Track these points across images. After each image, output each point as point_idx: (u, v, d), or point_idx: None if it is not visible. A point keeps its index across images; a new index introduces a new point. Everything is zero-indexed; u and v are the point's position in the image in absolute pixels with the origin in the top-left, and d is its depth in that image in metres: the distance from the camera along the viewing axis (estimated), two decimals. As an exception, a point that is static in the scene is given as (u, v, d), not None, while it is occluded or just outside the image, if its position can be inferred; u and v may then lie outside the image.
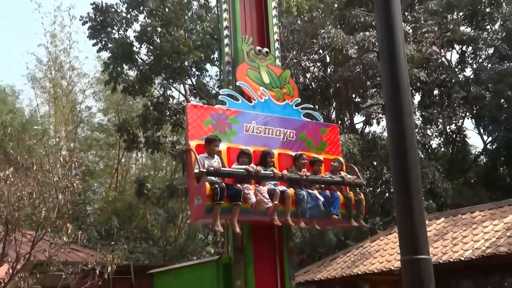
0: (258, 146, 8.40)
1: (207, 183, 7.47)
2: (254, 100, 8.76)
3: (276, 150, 8.50)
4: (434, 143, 21.88)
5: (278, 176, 8.05)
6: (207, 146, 7.89)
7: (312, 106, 9.96)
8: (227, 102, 8.60)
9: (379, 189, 20.11)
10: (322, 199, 8.28)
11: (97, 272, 9.31)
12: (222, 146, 8.10)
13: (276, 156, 8.41)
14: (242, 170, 7.85)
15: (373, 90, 21.04)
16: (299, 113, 9.24)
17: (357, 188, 9.00)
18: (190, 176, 7.87)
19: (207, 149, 7.88)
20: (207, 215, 7.64)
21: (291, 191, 8.02)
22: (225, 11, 9.12)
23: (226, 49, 9.07)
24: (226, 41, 9.08)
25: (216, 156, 7.87)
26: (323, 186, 8.60)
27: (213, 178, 7.58)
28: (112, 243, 19.23)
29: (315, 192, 8.33)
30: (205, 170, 7.50)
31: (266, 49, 9.19)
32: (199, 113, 8.35)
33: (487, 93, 19.54)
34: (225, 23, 9.11)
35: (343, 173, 8.88)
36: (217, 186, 7.44)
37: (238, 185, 7.70)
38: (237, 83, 8.76)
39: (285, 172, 8.19)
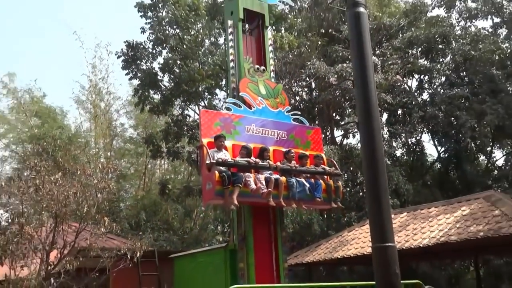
0: (257, 143, 8.51)
1: (216, 172, 7.64)
2: (254, 107, 8.91)
3: (271, 147, 8.62)
4: (398, 152, 21.91)
5: (273, 167, 8.18)
6: (216, 142, 8.06)
7: (299, 113, 10.01)
8: (232, 108, 8.76)
9: (354, 190, 20.10)
10: (308, 185, 8.42)
11: (128, 256, 9.27)
12: (228, 143, 8.23)
13: (271, 151, 8.54)
14: (244, 161, 8.01)
15: (350, 110, 21.07)
16: (289, 118, 9.38)
17: (336, 177, 9.07)
18: (203, 166, 8.00)
19: (216, 145, 8.04)
20: (215, 197, 7.80)
21: (283, 179, 8.12)
22: (231, 47, 9.24)
23: (232, 78, 9.18)
24: (232, 71, 9.19)
25: (223, 150, 8.03)
26: (308, 175, 8.67)
27: (221, 167, 7.73)
28: (140, 233, 19.22)
29: (303, 180, 8.44)
30: (214, 161, 7.69)
31: (263, 67, 9.36)
32: (210, 117, 8.52)
33: (440, 113, 19.57)
34: (231, 57, 9.23)
35: (324, 166, 9.03)
36: (224, 174, 7.64)
37: (241, 173, 7.83)
38: (240, 94, 8.91)
39: (278, 163, 8.32)
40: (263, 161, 8.17)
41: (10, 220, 9.48)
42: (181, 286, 9.63)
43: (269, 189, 7.80)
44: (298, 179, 8.37)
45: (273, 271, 8.32)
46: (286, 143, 8.97)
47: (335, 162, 9.47)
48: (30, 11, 52.18)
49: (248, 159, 8.05)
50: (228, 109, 8.81)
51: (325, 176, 8.83)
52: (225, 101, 9.00)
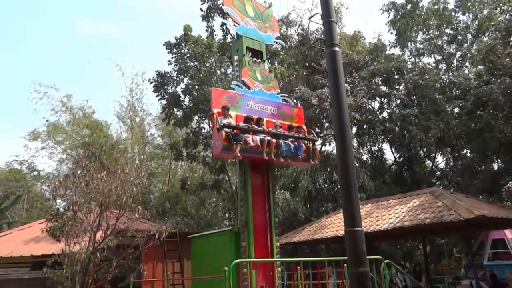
0: (255, 115, 8.61)
1: (223, 132, 7.79)
2: (252, 89, 9.03)
3: (265, 118, 8.76)
4: (364, 157, 21.86)
5: (266, 131, 8.35)
6: (223, 111, 8.21)
7: (287, 95, 10.08)
8: (235, 88, 8.86)
9: (331, 186, 20.07)
10: (292, 146, 8.53)
11: (156, 236, 9.25)
12: (232, 114, 8.36)
13: (265, 121, 8.68)
14: (244, 125, 8.16)
15: (327, 125, 21.01)
16: (279, 98, 9.46)
17: (313, 142, 9.11)
18: (214, 128, 8.14)
19: (223, 113, 8.19)
20: (222, 151, 7.87)
21: (273, 140, 8.27)
22: (237, 77, 9.24)
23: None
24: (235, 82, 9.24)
25: (229, 117, 8.19)
26: (293, 139, 8.72)
27: (227, 129, 7.85)
28: (166, 218, 19.13)
29: (289, 141, 8.56)
30: (222, 124, 7.85)
31: (259, 60, 9.46)
32: (219, 94, 8.64)
33: (396, 127, 19.57)
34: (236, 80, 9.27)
35: (305, 134, 9.11)
36: (230, 134, 7.81)
37: (242, 134, 7.94)
38: (242, 79, 9.03)
39: (270, 129, 8.50)
40: (259, 127, 8.34)
41: (66, 208, 9.44)
42: (196, 260, 9.55)
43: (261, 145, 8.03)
44: (285, 141, 8.49)
45: (268, 249, 8.25)
46: (276, 116, 9.11)
47: (313, 132, 9.46)
48: (85, 48, 52.31)
49: (247, 124, 8.22)
50: (232, 89, 8.91)
51: (306, 141, 8.91)
52: (231, 83, 9.09)
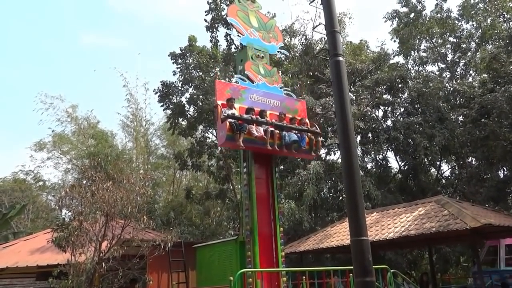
0: (258, 108, 8.63)
1: (227, 122, 7.81)
2: (255, 82, 9.05)
3: (268, 111, 8.75)
4: (369, 166, 21.76)
5: (269, 123, 8.36)
6: (228, 102, 8.23)
7: (289, 89, 10.06)
8: (239, 82, 8.87)
9: (336, 195, 19.98)
10: (296, 137, 8.53)
11: (161, 246, 9.21)
12: (236, 106, 8.36)
13: (268, 113, 8.67)
14: (248, 117, 8.16)
15: (331, 134, 21.02)
16: (282, 92, 9.47)
17: (316, 135, 9.08)
18: (218, 119, 8.12)
19: (228, 105, 8.20)
20: (226, 141, 7.90)
21: (277, 131, 8.31)
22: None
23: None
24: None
25: (233, 109, 8.20)
26: (296, 131, 8.69)
27: (231, 120, 7.88)
28: (170, 228, 19.06)
29: (292, 133, 8.56)
30: (226, 115, 7.87)
31: (262, 54, 9.45)
32: (223, 86, 8.63)
33: (400, 135, 19.50)
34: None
35: (308, 126, 9.10)
36: (234, 123, 7.85)
37: (245, 124, 7.97)
38: (245, 72, 9.04)
39: (273, 120, 8.52)
40: (262, 119, 8.37)
41: (72, 218, 9.44)
42: (201, 269, 9.50)
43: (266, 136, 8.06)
44: (289, 132, 8.51)
45: (273, 258, 8.19)
46: (279, 109, 9.08)
47: (315, 125, 9.42)
48: (90, 60, 52.80)
49: (251, 115, 8.25)
50: (236, 82, 8.94)
51: (309, 134, 8.90)
52: (235, 76, 9.14)
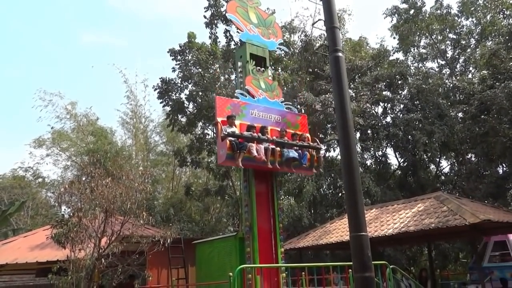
0: (259, 123, 8.61)
1: (227, 141, 7.80)
2: (256, 97, 9.01)
3: (269, 127, 8.73)
4: (368, 162, 21.74)
5: (270, 140, 8.33)
6: (228, 120, 8.19)
7: (290, 103, 10.04)
8: (239, 97, 8.83)
9: (335, 191, 20.00)
10: (296, 154, 8.53)
11: (161, 242, 9.23)
12: (236, 122, 8.31)
13: (269, 129, 8.64)
14: (248, 134, 8.12)
15: (331, 130, 21.02)
16: (283, 106, 9.44)
17: (317, 151, 9.10)
18: (218, 137, 8.11)
19: (228, 122, 8.17)
20: (226, 160, 7.89)
21: (277, 149, 8.30)
22: (241, 83, 9.25)
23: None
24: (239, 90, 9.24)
25: (233, 126, 8.16)
26: (297, 148, 8.70)
27: (231, 138, 7.86)
28: (170, 224, 19.03)
29: (293, 150, 8.55)
30: (226, 133, 7.85)
31: (262, 68, 9.41)
32: (223, 102, 8.58)
33: (400, 132, 19.49)
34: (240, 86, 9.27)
35: (309, 142, 9.09)
36: (234, 142, 7.83)
37: (246, 143, 7.94)
38: (246, 87, 8.99)
39: (274, 137, 8.49)
40: (263, 136, 8.33)
41: (71, 214, 9.45)
42: (201, 266, 9.54)
43: (264, 158, 8.03)
44: (289, 149, 8.49)
45: (273, 254, 8.23)
46: (280, 125, 9.06)
47: (317, 140, 9.41)
48: (89, 57, 52.69)
49: (251, 133, 8.19)
50: (236, 97, 8.88)
51: (310, 149, 8.88)
52: (235, 92, 9.10)
